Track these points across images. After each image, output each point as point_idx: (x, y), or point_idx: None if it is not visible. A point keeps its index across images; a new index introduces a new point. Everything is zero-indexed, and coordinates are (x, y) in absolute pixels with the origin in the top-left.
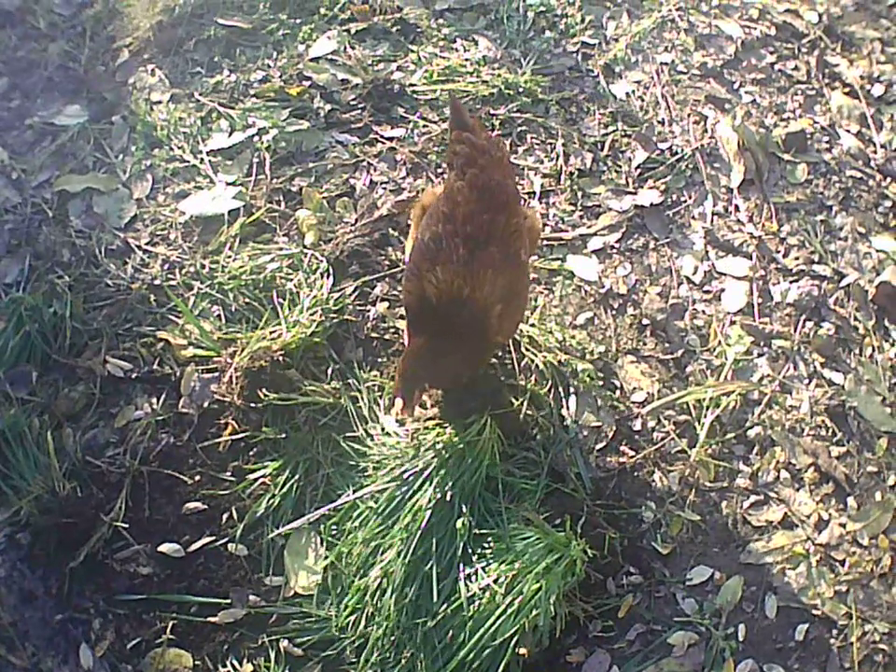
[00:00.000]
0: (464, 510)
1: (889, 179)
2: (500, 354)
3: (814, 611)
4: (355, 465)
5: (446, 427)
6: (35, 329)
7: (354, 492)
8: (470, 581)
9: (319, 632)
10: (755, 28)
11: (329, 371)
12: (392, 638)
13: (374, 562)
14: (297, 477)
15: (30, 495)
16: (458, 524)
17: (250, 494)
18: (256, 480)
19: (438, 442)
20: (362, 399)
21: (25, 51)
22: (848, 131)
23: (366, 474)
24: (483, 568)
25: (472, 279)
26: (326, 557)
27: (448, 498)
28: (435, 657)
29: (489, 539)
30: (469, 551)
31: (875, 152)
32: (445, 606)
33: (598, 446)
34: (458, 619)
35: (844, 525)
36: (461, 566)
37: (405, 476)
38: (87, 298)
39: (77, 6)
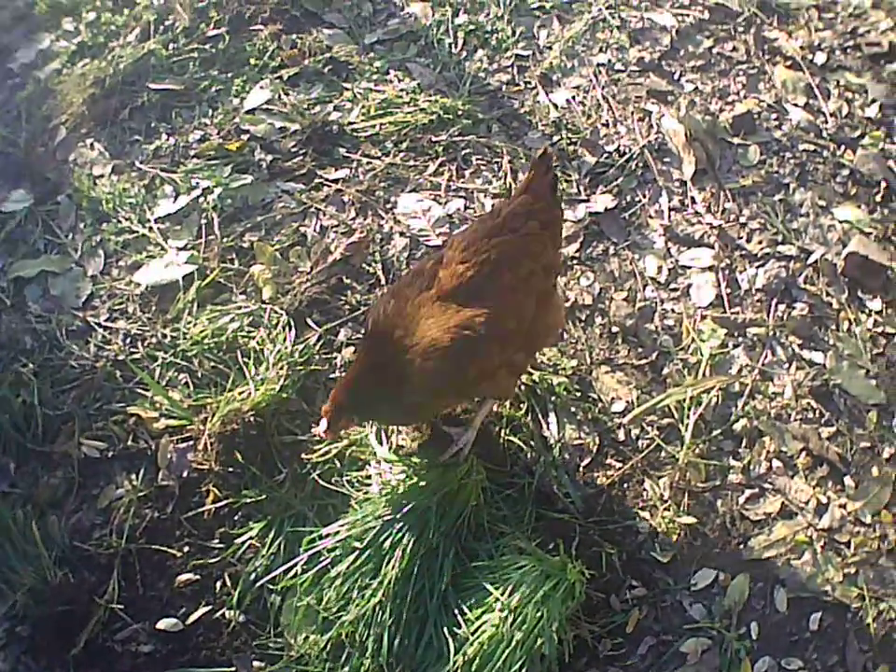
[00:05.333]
0: (450, 554)
1: (843, 147)
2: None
3: (825, 598)
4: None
5: (430, 471)
6: (6, 420)
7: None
8: (472, 619)
9: None
10: (688, 15)
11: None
12: None
13: (367, 617)
14: (284, 534)
15: (23, 587)
16: (443, 566)
17: (240, 558)
18: (244, 543)
19: (421, 485)
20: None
21: None
22: (796, 104)
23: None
24: (482, 602)
25: (408, 325)
26: (322, 615)
27: (434, 545)
28: None
29: (485, 571)
30: (466, 586)
31: (826, 122)
32: (450, 647)
33: (584, 462)
34: (464, 657)
35: (844, 506)
36: (460, 604)
37: (387, 521)
38: (54, 382)
39: (10, 88)
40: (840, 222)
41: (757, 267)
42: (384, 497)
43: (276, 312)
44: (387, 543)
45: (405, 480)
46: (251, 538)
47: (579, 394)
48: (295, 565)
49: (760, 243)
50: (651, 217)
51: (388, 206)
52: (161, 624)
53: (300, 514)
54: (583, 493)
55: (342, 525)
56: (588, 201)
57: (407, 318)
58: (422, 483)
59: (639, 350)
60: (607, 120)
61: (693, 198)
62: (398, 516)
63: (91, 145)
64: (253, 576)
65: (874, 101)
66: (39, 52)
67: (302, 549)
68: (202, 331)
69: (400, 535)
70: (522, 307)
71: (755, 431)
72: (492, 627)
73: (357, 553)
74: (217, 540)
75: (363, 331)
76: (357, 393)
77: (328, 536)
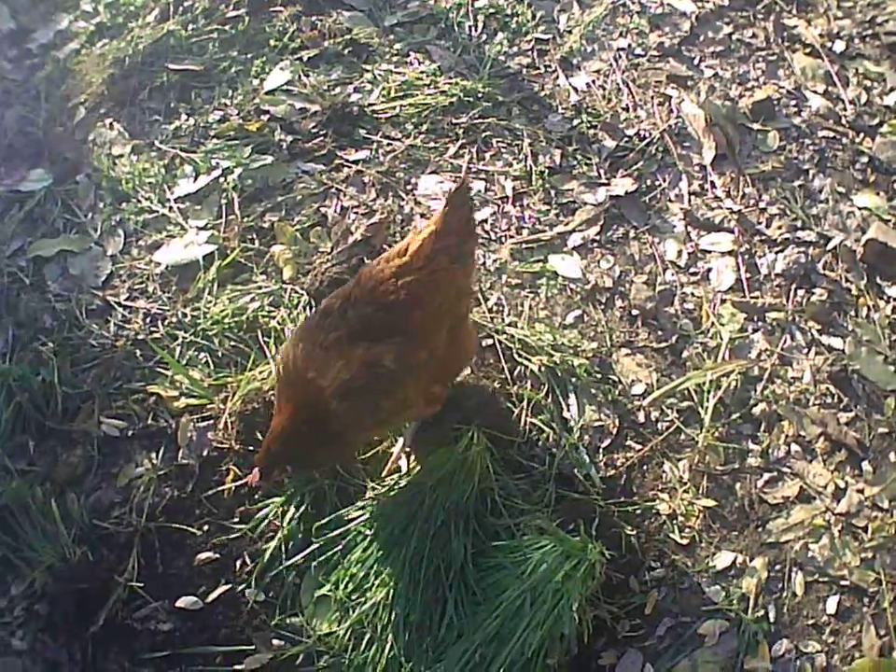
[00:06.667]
0: (461, 531)
1: (862, 135)
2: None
3: (842, 582)
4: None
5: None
6: (25, 398)
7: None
8: (491, 598)
9: (347, 669)
10: (708, 1)
11: None
12: (423, 666)
13: (384, 595)
14: (303, 510)
15: (42, 565)
16: (458, 545)
17: (260, 536)
18: (263, 520)
19: (426, 464)
20: None
21: None
22: (815, 91)
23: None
24: (501, 582)
25: (319, 368)
26: (341, 595)
27: (444, 519)
28: None
29: (505, 551)
30: (486, 565)
31: (845, 109)
32: (470, 626)
33: (604, 444)
34: (483, 636)
35: (862, 491)
36: (480, 584)
37: (398, 501)
38: (73, 361)
39: (29, 69)
40: (859, 209)
41: (776, 252)
42: (391, 483)
43: (297, 292)
44: (397, 528)
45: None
46: (271, 514)
47: (599, 376)
48: (311, 548)
49: (779, 228)
50: (670, 201)
51: (409, 187)
52: (181, 602)
53: (319, 490)
54: (603, 474)
55: (354, 512)
56: (608, 184)
57: (318, 361)
58: (423, 463)
59: (659, 333)
60: (627, 105)
61: (712, 182)
62: (403, 499)
63: (111, 125)
64: (272, 555)
65: (892, 89)
66: (58, 33)
67: (314, 537)
68: (222, 311)
69: (407, 517)
70: (432, 338)
71: (774, 415)
72: (512, 606)
73: (368, 539)
74: (236, 519)
75: (276, 377)
76: (289, 443)
77: (339, 524)
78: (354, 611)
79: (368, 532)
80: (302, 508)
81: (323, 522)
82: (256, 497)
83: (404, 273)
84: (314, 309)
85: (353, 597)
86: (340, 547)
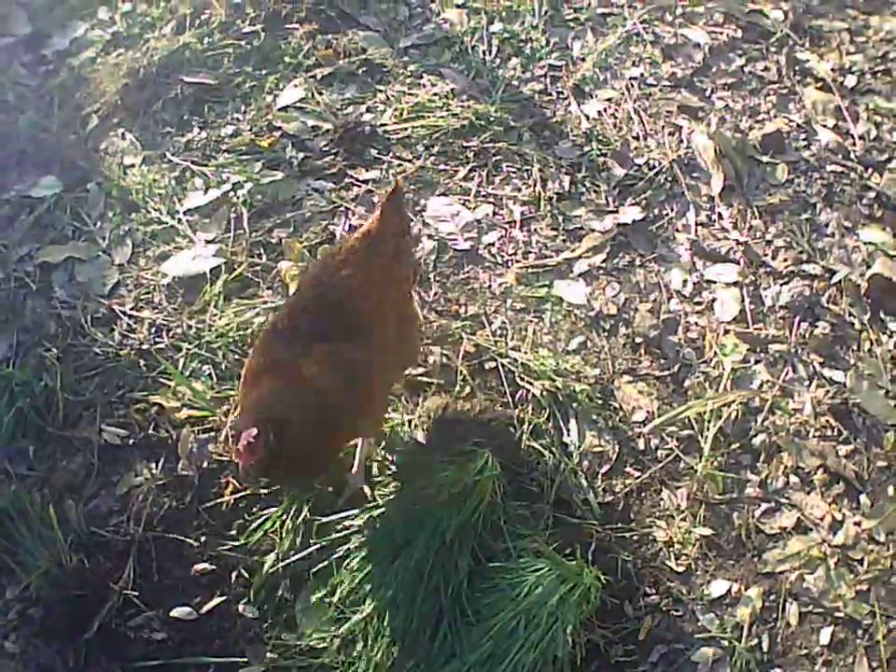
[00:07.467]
0: (465, 552)
1: (870, 170)
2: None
3: (837, 614)
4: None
5: (445, 467)
6: (27, 403)
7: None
8: (486, 618)
9: None
10: (721, 32)
11: None
12: None
13: (380, 612)
14: (300, 519)
15: (38, 570)
16: (458, 564)
17: (256, 549)
18: (261, 531)
19: (435, 481)
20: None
21: None
22: (825, 125)
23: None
24: (497, 602)
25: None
26: (335, 612)
27: (448, 541)
28: None
29: (501, 572)
30: (482, 586)
31: (854, 144)
32: (464, 645)
33: (603, 470)
34: (477, 656)
35: (859, 524)
36: (475, 603)
37: (402, 516)
38: (77, 368)
39: (43, 75)
40: (865, 244)
41: (781, 285)
42: (398, 492)
43: None
44: (402, 538)
45: (419, 476)
46: (269, 524)
47: (600, 402)
48: (309, 554)
49: (785, 261)
50: (677, 230)
51: (417, 209)
52: (175, 612)
53: (318, 500)
54: (601, 500)
55: (356, 516)
56: (616, 212)
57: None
58: (436, 479)
59: (662, 361)
60: (637, 133)
61: (720, 214)
62: (412, 511)
63: (123, 134)
64: (268, 567)
65: None
66: (74, 40)
67: (314, 532)
68: (227, 324)
69: (415, 530)
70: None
71: (773, 446)
72: (506, 628)
73: (370, 546)
74: (234, 531)
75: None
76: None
77: (342, 526)
78: (347, 622)
79: (368, 540)
80: (299, 519)
81: (324, 521)
82: (254, 509)
83: (335, 272)
84: None
85: (347, 605)
86: (337, 555)
